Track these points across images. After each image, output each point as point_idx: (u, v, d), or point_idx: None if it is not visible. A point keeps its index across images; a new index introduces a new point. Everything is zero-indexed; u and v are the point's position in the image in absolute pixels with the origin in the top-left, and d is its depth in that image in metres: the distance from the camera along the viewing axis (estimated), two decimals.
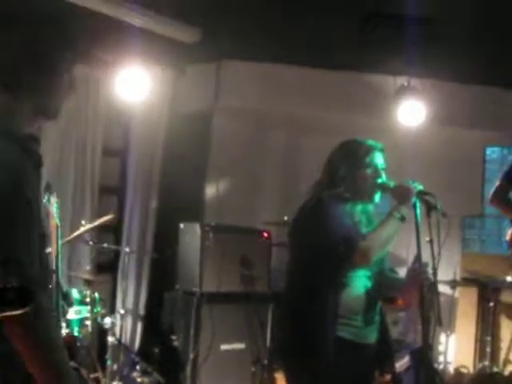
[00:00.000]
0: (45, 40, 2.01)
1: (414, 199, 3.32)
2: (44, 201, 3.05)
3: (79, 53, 2.17)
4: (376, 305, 3.46)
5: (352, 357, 3.30)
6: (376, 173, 3.47)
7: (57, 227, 2.81)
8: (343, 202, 3.42)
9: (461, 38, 5.60)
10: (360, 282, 3.38)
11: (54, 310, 2.09)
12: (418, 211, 3.31)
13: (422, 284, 3.25)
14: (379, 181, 3.46)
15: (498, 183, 5.56)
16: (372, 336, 3.43)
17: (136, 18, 5.34)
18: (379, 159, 3.52)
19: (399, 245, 6.86)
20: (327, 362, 3.23)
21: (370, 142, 3.60)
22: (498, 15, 5.11)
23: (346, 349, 3.27)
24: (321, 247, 3.31)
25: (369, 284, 3.41)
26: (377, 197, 3.50)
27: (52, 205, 2.88)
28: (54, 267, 2.86)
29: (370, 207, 3.56)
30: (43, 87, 2.02)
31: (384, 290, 3.50)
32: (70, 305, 4.96)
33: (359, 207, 3.51)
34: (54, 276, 2.71)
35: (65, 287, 4.61)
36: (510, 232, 5.59)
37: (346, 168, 3.48)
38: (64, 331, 4.82)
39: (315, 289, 3.32)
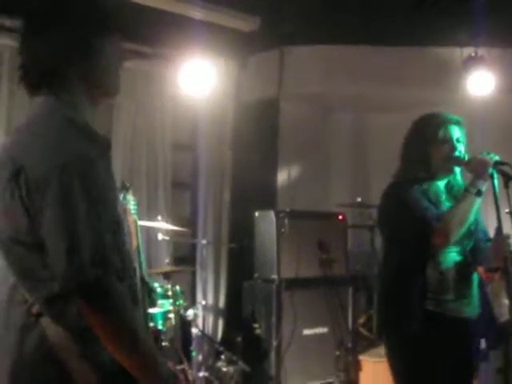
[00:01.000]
0: (87, 28, 2.04)
1: (490, 171, 3.25)
2: (120, 199, 3.12)
3: (122, 32, 2.19)
4: (469, 278, 3.41)
5: (445, 330, 3.29)
6: (451, 147, 3.41)
7: (135, 223, 2.86)
8: (418, 182, 3.40)
9: None
10: (449, 256, 3.36)
11: (138, 305, 2.08)
12: (496, 182, 3.24)
13: (505, 257, 3.19)
14: (454, 155, 3.40)
15: None
16: (468, 310, 3.39)
17: (195, 11, 5.37)
18: (455, 132, 3.45)
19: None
20: (416, 335, 3.24)
21: (444, 115, 3.53)
22: None
23: (437, 322, 3.28)
24: (401, 232, 3.38)
25: (458, 258, 3.37)
26: (456, 169, 3.45)
27: (129, 202, 2.94)
28: (135, 263, 2.91)
29: (458, 180, 3.50)
30: (94, 69, 2.06)
31: (479, 262, 3.45)
32: (155, 299, 5.06)
33: (440, 184, 3.47)
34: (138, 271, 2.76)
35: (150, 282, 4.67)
36: None
37: (419, 146, 3.45)
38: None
39: (402, 269, 3.37)
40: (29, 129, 1.98)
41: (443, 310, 3.32)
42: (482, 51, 6.03)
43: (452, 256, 3.37)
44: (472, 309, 3.41)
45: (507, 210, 3.21)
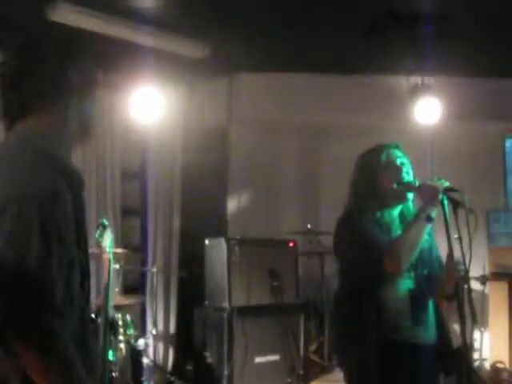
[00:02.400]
0: (54, 63, 2.07)
1: (441, 197, 3.29)
2: (96, 236, 3.12)
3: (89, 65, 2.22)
4: (424, 305, 3.43)
5: (402, 358, 3.30)
6: (397, 172, 3.45)
7: (109, 261, 2.85)
8: (370, 211, 3.43)
9: (472, 31, 5.57)
10: (403, 284, 3.37)
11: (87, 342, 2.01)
12: (447, 209, 3.27)
13: (457, 282, 3.21)
14: (403, 180, 3.43)
15: None
16: (424, 335, 3.40)
17: (144, 38, 5.35)
18: (397, 156, 3.50)
19: None
20: (374, 365, 3.23)
21: (384, 143, 3.60)
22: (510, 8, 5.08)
23: (397, 350, 3.29)
24: (353, 259, 3.40)
25: (413, 285, 3.39)
26: (409, 196, 3.48)
27: (105, 240, 2.93)
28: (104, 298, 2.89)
29: (410, 208, 3.53)
30: (68, 106, 2.08)
31: (435, 289, 3.47)
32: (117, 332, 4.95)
33: (394, 212, 3.50)
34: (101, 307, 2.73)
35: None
36: None
37: (366, 176, 3.49)
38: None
39: (356, 296, 3.35)
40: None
41: (400, 337, 3.32)
42: (428, 79, 6.14)
43: (407, 283, 3.38)
44: (428, 335, 3.42)
45: (456, 236, 3.24)
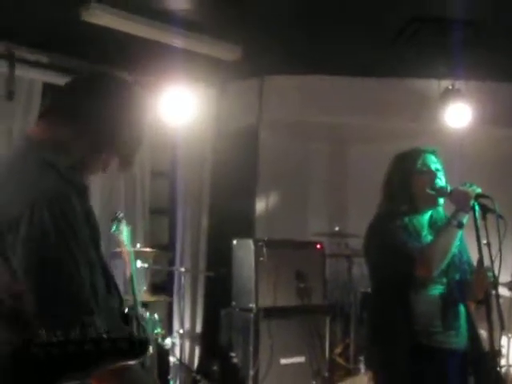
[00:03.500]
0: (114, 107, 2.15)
1: (472, 203, 3.29)
2: (112, 230, 3.12)
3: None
4: (456, 310, 3.44)
5: (434, 362, 3.32)
6: (432, 177, 3.45)
7: (129, 253, 2.85)
8: (400, 216, 3.45)
9: (503, 37, 5.54)
10: (435, 288, 3.40)
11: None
12: (477, 215, 3.27)
13: (486, 288, 3.22)
14: (436, 185, 3.44)
15: None
16: (456, 341, 3.41)
17: (176, 39, 5.39)
18: (432, 162, 3.50)
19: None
20: (405, 370, 3.26)
21: (420, 147, 3.60)
22: None
23: (427, 354, 3.31)
24: (384, 264, 3.45)
25: (444, 290, 3.41)
26: (440, 201, 3.49)
27: (121, 232, 2.93)
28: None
29: (441, 213, 3.55)
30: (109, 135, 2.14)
31: (466, 294, 3.48)
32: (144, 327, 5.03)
33: (423, 218, 3.51)
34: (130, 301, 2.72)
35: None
36: None
37: (399, 179, 3.50)
38: None
39: (388, 301, 3.42)
40: (7, 169, 2.01)
41: (432, 342, 3.34)
42: (459, 84, 6.12)
43: (438, 288, 3.40)
44: (460, 340, 3.43)
45: (485, 242, 3.24)
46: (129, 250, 2.85)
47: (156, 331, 5.26)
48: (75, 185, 1.99)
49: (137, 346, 1.73)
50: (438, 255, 3.30)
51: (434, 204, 3.50)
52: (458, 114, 6.09)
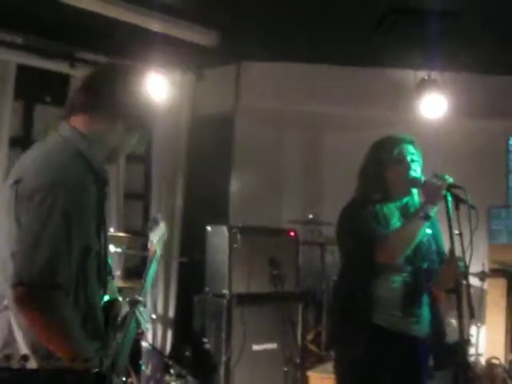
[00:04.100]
0: (123, 90, 2.48)
1: (444, 193, 3.31)
2: (148, 228, 3.25)
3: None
4: (419, 298, 3.48)
5: (390, 346, 3.38)
6: (406, 167, 3.48)
7: (154, 253, 2.97)
8: (371, 204, 3.49)
9: (479, 29, 5.58)
10: (400, 276, 3.45)
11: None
12: (450, 205, 3.30)
13: (457, 278, 3.25)
14: (410, 176, 3.46)
15: None
16: (415, 328, 3.46)
17: (155, 24, 5.37)
18: (409, 152, 3.52)
19: None
20: (362, 349, 3.34)
21: (398, 135, 3.62)
22: None
23: (384, 337, 3.38)
24: (350, 248, 3.54)
25: (407, 278, 3.45)
26: (412, 191, 3.52)
27: (154, 233, 3.04)
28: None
29: (415, 201, 3.59)
30: (114, 126, 2.46)
31: (432, 283, 3.53)
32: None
33: (394, 205, 3.55)
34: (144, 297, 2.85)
35: None
36: None
37: (374, 168, 3.53)
38: None
39: (352, 284, 3.50)
40: (39, 148, 2.37)
41: (391, 326, 3.40)
42: (435, 75, 6.16)
43: (403, 275, 3.45)
44: (421, 328, 3.48)
45: (457, 232, 3.27)
46: (155, 249, 2.95)
47: None
48: (100, 178, 2.36)
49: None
50: (400, 244, 3.35)
51: (406, 194, 3.54)
52: (434, 105, 6.13)
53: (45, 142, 2.40)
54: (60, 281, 2.13)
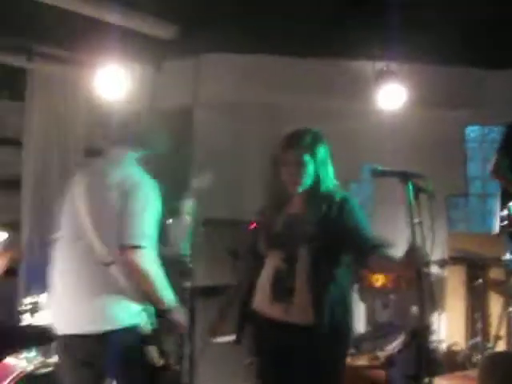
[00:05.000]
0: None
1: (406, 181, 3.32)
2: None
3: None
4: (290, 285, 3.51)
5: (265, 329, 3.65)
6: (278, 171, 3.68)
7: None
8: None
9: (437, 21, 5.64)
10: (271, 261, 3.59)
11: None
12: (411, 194, 3.32)
13: (418, 266, 3.27)
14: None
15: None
16: (287, 314, 3.51)
17: (113, 16, 5.32)
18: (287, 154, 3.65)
19: (385, 229, 6.96)
20: (243, 333, 3.82)
21: (293, 131, 3.79)
22: None
23: (259, 321, 3.67)
24: None
25: (281, 264, 3.54)
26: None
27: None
28: None
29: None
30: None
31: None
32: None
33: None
34: None
35: None
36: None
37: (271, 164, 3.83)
38: None
39: (241, 271, 4.00)
40: (110, 163, 3.79)
41: (262, 312, 3.62)
42: (393, 66, 6.20)
43: (274, 261, 3.57)
44: (292, 314, 3.50)
45: (417, 220, 3.30)
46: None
47: None
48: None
49: None
50: None
51: None
52: (392, 96, 6.18)
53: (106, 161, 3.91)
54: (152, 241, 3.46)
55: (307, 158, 3.59)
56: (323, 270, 3.49)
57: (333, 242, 3.49)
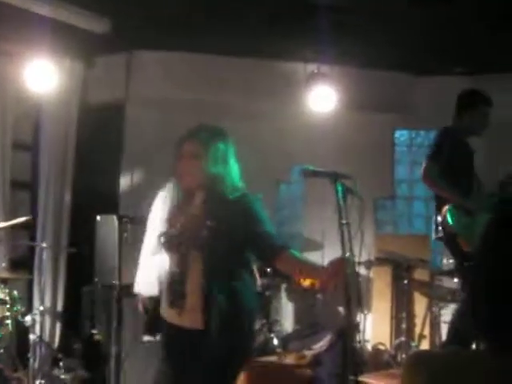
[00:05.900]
0: None
1: (335, 183, 3.35)
2: None
3: None
4: (182, 288, 3.45)
5: (164, 332, 3.69)
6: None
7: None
8: None
9: (368, 25, 5.73)
10: (169, 264, 3.56)
11: None
12: (340, 195, 3.33)
13: (345, 268, 3.28)
14: None
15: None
16: (180, 319, 3.47)
17: (44, 8, 5.23)
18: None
19: (314, 229, 7.04)
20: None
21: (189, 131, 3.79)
22: (404, 5, 5.26)
23: (162, 326, 3.65)
24: None
25: (175, 268, 3.49)
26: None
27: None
28: None
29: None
30: None
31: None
32: None
33: None
34: None
35: None
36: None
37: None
38: None
39: None
40: None
41: (163, 314, 3.60)
42: (324, 68, 6.27)
43: (170, 264, 3.56)
44: (184, 319, 3.46)
45: (344, 222, 3.33)
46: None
47: (15, 308, 5.13)
48: None
49: None
50: None
51: None
52: (323, 98, 6.24)
53: None
54: None
55: (200, 151, 3.53)
56: (215, 275, 3.42)
57: (230, 245, 3.43)
